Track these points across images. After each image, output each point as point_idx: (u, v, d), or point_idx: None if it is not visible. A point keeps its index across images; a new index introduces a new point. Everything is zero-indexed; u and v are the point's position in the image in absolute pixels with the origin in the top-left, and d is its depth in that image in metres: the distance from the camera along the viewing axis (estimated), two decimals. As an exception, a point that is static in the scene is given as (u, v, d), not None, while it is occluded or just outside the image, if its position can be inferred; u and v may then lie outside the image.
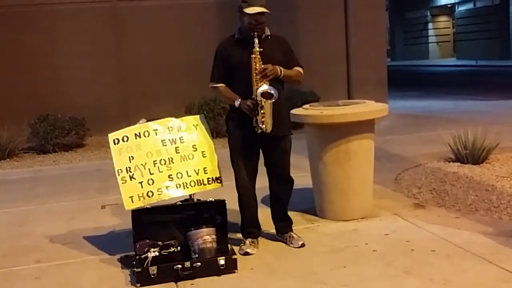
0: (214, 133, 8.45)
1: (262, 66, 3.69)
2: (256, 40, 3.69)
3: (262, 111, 3.69)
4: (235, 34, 3.92)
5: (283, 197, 4.13)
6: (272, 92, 3.67)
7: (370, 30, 10.60)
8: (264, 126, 3.72)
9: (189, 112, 8.68)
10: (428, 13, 37.53)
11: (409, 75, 24.62)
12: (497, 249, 3.70)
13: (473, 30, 31.65)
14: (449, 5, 35.07)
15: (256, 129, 3.75)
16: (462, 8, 33.61)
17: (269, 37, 3.86)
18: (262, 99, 3.67)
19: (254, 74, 3.70)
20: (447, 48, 37.36)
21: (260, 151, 4.01)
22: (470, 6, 32.63)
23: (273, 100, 3.69)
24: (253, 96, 3.71)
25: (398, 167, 6.19)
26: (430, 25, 37.79)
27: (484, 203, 4.71)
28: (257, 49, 3.69)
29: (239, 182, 3.99)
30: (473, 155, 5.99)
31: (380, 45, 10.97)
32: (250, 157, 3.94)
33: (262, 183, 4.13)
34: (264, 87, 3.68)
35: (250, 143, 3.90)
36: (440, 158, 6.37)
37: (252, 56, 3.70)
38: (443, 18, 37.64)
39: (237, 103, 3.80)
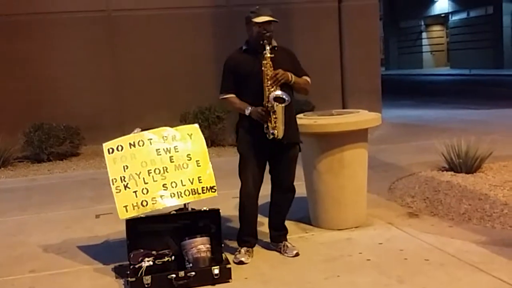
0: (209, 142, 8.47)
1: (274, 72, 3.73)
2: (268, 47, 3.74)
3: (274, 116, 3.72)
4: (242, 46, 3.97)
5: (283, 206, 4.15)
6: (284, 96, 3.70)
7: (364, 40, 10.65)
8: (276, 131, 3.73)
9: (184, 120, 8.69)
10: (422, 23, 37.75)
11: (403, 84, 24.74)
12: (490, 258, 3.72)
13: (466, 40, 31.85)
14: (442, 15, 35.30)
15: (267, 136, 3.76)
16: (455, 17, 33.84)
17: (276, 48, 3.90)
18: (275, 103, 3.69)
19: (266, 80, 3.74)
20: (441, 57, 37.57)
21: (268, 160, 4.02)
22: (463, 15, 32.86)
23: (286, 104, 3.71)
24: (264, 103, 3.74)
25: (392, 176, 6.22)
26: (424, 35, 38.01)
27: (477, 212, 4.73)
28: (268, 55, 3.73)
29: (244, 189, 3.99)
30: (466, 164, 6.03)
31: (374, 54, 11.02)
32: (258, 166, 3.96)
33: (262, 191, 4.14)
34: (277, 92, 3.71)
35: (260, 151, 3.92)
36: (434, 167, 6.40)
37: (263, 62, 3.75)
38: (437, 28, 37.88)
39: (247, 112, 3.82)
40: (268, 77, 3.73)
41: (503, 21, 28.83)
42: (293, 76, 3.85)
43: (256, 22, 3.77)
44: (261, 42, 3.75)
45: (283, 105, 3.71)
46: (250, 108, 3.81)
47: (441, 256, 3.82)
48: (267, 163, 4.04)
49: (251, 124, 3.85)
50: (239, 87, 3.92)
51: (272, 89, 3.72)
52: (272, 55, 3.76)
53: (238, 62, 3.92)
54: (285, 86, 3.80)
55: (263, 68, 3.74)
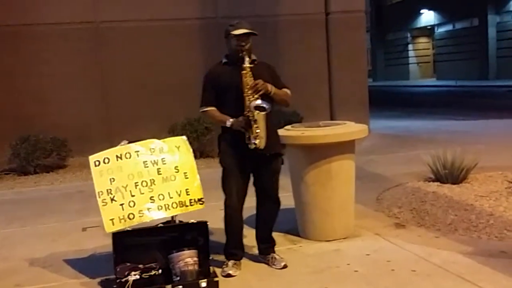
0: (198, 154, 8.46)
1: (254, 81, 3.74)
2: (247, 58, 3.76)
3: (255, 125, 3.72)
4: (222, 60, 3.98)
5: (269, 218, 4.15)
6: (265, 105, 3.71)
7: (352, 51, 10.74)
8: (257, 141, 3.73)
9: (172, 132, 8.68)
10: (408, 35, 38.14)
11: (390, 95, 24.92)
12: (476, 268, 3.74)
13: (452, 51, 32.20)
14: (428, 27, 35.69)
15: (249, 146, 3.76)
16: (441, 29, 34.22)
17: (256, 62, 3.92)
18: (256, 111, 3.70)
19: (246, 89, 3.75)
20: (427, 68, 37.94)
21: (251, 171, 4.02)
22: (449, 27, 33.24)
23: (267, 112, 3.72)
24: (245, 113, 3.74)
25: (379, 187, 6.25)
26: (410, 46, 38.39)
27: (463, 223, 4.76)
28: (248, 64, 3.75)
29: (228, 201, 3.99)
30: (452, 175, 6.07)
31: (361, 66, 11.11)
32: (242, 177, 3.96)
33: (247, 203, 4.14)
34: (257, 101, 3.72)
35: (242, 163, 3.92)
36: (420, 177, 6.44)
37: (243, 72, 3.76)
38: (423, 40, 38.28)
39: (228, 123, 3.83)
40: (248, 86, 3.74)
41: (488, 33, 29.21)
42: (272, 87, 3.86)
43: (234, 34, 3.79)
44: (240, 54, 3.77)
45: (264, 113, 3.72)
46: (231, 119, 3.82)
47: (427, 267, 3.83)
48: (251, 175, 4.04)
49: (233, 136, 3.85)
50: (219, 100, 3.94)
51: (253, 98, 3.73)
52: (252, 65, 3.78)
53: (218, 75, 3.93)
54: (265, 97, 3.81)
55: (243, 78, 3.75)
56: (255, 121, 3.71)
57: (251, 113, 3.71)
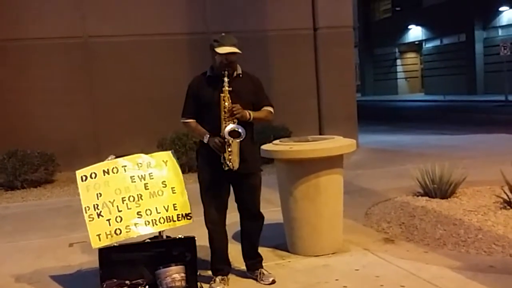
0: (186, 168, 8.42)
1: (231, 105, 3.74)
2: (226, 79, 3.75)
3: (229, 149, 3.72)
4: (207, 71, 3.97)
5: (253, 234, 4.12)
6: (240, 130, 3.70)
7: (340, 66, 10.80)
8: (231, 164, 3.74)
9: (161, 147, 8.66)
10: (397, 50, 38.56)
11: (378, 110, 25.08)
12: (464, 283, 3.74)
13: (440, 66, 32.58)
14: (416, 42, 36.09)
15: (223, 166, 3.76)
16: (429, 44, 34.63)
17: (241, 76, 3.91)
18: (229, 138, 3.69)
19: (223, 113, 3.74)
20: (415, 83, 38.29)
21: (231, 186, 4.01)
22: (437, 43, 33.65)
23: (240, 139, 3.72)
24: (221, 134, 3.74)
25: (368, 202, 6.25)
26: (398, 61, 38.80)
27: (452, 237, 4.77)
28: (227, 88, 3.74)
29: (208, 217, 3.97)
30: (441, 190, 6.09)
31: (350, 80, 11.16)
32: (219, 192, 3.94)
33: (233, 218, 4.12)
34: (232, 126, 3.71)
35: (219, 179, 3.90)
36: (409, 192, 6.45)
37: (221, 95, 3.75)
38: (411, 55, 38.71)
39: (205, 139, 3.82)
40: (225, 109, 3.74)
41: (475, 48, 29.61)
42: (251, 113, 3.83)
43: (219, 52, 3.77)
44: (222, 72, 3.77)
45: (237, 140, 3.71)
46: (208, 136, 3.81)
47: (416, 282, 3.82)
48: (232, 189, 4.02)
49: (209, 152, 3.83)
50: (200, 114, 3.93)
51: (229, 122, 3.73)
52: (230, 88, 3.74)
53: (199, 88, 3.91)
54: (244, 121, 3.79)
55: (221, 101, 3.74)
56: (229, 145, 3.71)
57: (225, 136, 3.70)
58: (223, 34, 3.87)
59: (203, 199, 3.96)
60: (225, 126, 3.72)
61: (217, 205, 3.94)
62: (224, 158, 3.74)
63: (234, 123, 3.73)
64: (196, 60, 9.81)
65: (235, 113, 3.73)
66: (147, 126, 9.68)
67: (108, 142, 9.38)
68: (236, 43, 3.81)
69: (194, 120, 3.95)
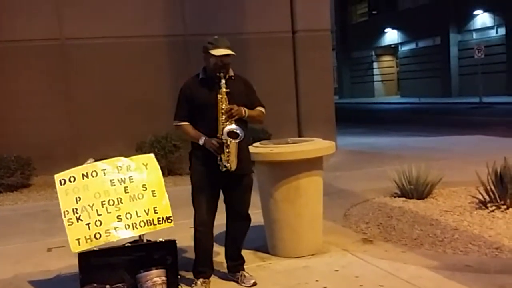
0: (166, 171, 8.41)
1: (229, 106, 3.75)
2: (223, 81, 3.77)
3: (227, 150, 3.74)
4: (199, 74, 3.97)
5: (239, 235, 4.14)
6: (238, 132, 3.72)
7: (318, 69, 10.88)
8: (229, 164, 3.75)
9: (140, 150, 8.60)
10: (373, 53, 38.96)
11: (356, 113, 25.29)
12: (442, 282, 3.81)
13: (416, 69, 33.01)
14: (392, 45, 36.50)
15: (220, 167, 3.77)
16: (405, 48, 35.06)
17: (233, 78, 3.93)
18: (228, 138, 3.71)
19: (221, 114, 3.76)
20: (391, 86, 38.72)
21: (222, 188, 4.01)
22: (412, 46, 34.09)
23: (239, 140, 3.74)
24: (219, 135, 3.75)
25: (347, 203, 6.31)
26: (375, 64, 39.21)
27: (429, 237, 4.85)
28: (224, 89, 3.76)
29: (198, 218, 3.96)
30: (418, 190, 6.19)
31: (327, 83, 11.25)
32: (212, 194, 3.94)
33: (217, 221, 4.11)
34: (231, 126, 3.73)
35: (212, 181, 3.91)
36: (386, 193, 6.54)
37: (218, 96, 3.76)
38: (387, 58, 39.14)
39: (201, 142, 3.82)
40: (223, 111, 3.76)
41: (450, 51, 30.08)
42: (246, 111, 3.88)
43: (213, 54, 3.80)
44: (218, 74, 3.79)
45: (236, 141, 3.74)
46: (204, 138, 3.82)
47: (395, 281, 3.88)
48: (222, 192, 4.03)
49: (204, 154, 3.85)
50: (194, 116, 3.93)
51: (227, 123, 3.75)
52: (228, 90, 3.78)
53: (193, 91, 3.91)
54: (239, 119, 3.84)
55: (218, 102, 3.76)
56: (228, 146, 3.73)
57: (223, 137, 3.72)
58: (216, 36, 3.89)
59: (195, 201, 3.95)
60: (223, 127, 3.73)
61: (209, 207, 3.94)
62: (221, 159, 3.75)
63: (231, 124, 3.74)
64: (175, 62, 9.85)
65: (234, 115, 3.75)
66: (126, 129, 9.61)
67: (85, 146, 9.29)
68: (229, 45, 3.84)
69: (188, 123, 3.94)
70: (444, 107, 24.18)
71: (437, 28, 30.14)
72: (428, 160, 7.20)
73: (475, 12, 28.29)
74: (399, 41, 35.08)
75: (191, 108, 3.91)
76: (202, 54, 3.90)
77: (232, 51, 3.82)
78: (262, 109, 4.08)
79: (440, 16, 29.58)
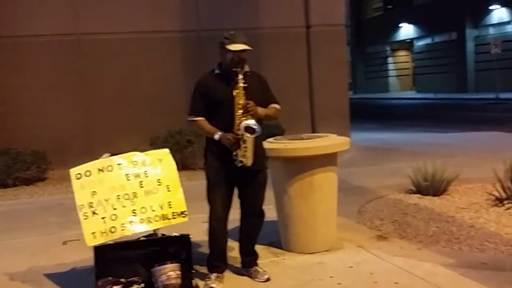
0: (180, 166, 8.39)
1: (245, 101, 3.74)
2: (240, 76, 3.75)
3: (244, 145, 3.73)
4: (215, 69, 3.96)
5: (253, 231, 4.14)
6: (256, 127, 3.71)
7: (332, 64, 10.82)
8: (245, 160, 3.75)
9: (153, 145, 8.64)
10: (388, 48, 38.67)
11: (370, 108, 25.16)
12: (457, 280, 3.77)
13: (431, 64, 32.71)
14: (408, 40, 36.21)
15: (236, 163, 3.77)
16: (420, 43, 34.76)
17: (249, 73, 3.92)
18: (245, 133, 3.70)
19: (237, 109, 3.75)
20: (406, 81, 38.43)
21: (236, 184, 4.01)
22: (428, 41, 33.78)
23: (256, 135, 3.73)
24: (235, 130, 3.74)
25: (361, 199, 6.28)
26: (390, 59, 38.91)
27: (445, 235, 4.81)
28: (241, 84, 3.75)
29: (213, 214, 3.96)
30: (433, 187, 6.14)
31: (342, 79, 11.19)
32: (227, 190, 3.94)
33: (231, 216, 4.11)
34: (248, 122, 3.71)
35: (228, 176, 3.90)
36: (402, 189, 6.49)
37: (235, 91, 3.75)
38: (402, 53, 38.81)
39: (217, 137, 3.81)
40: (239, 106, 3.75)
41: (466, 46, 29.76)
42: (262, 110, 3.87)
43: (230, 49, 3.78)
44: (234, 69, 3.77)
45: (253, 136, 3.73)
46: (219, 133, 3.81)
47: (410, 279, 3.85)
48: (236, 188, 4.03)
49: (220, 149, 3.84)
50: (210, 111, 3.92)
51: (244, 118, 3.74)
52: (246, 85, 3.77)
53: (209, 86, 3.90)
54: (254, 115, 3.82)
55: (235, 98, 3.75)
56: (244, 141, 3.72)
57: (240, 132, 3.72)
58: (232, 31, 3.87)
59: (210, 196, 3.96)
60: (240, 123, 3.72)
61: (224, 203, 3.94)
62: (236, 154, 3.75)
63: (248, 119, 3.73)
64: (189, 57, 9.87)
65: (250, 110, 3.74)
66: (140, 124, 9.65)
67: (100, 140, 9.35)
68: (246, 40, 3.82)
69: (204, 118, 3.93)
70: (460, 102, 23.94)
71: (453, 23, 29.82)
72: (444, 157, 7.15)
73: (492, 7, 27.94)
74: (415, 36, 34.78)
75: (206, 103, 3.90)
76: (218, 49, 3.88)
77: (249, 46, 3.81)
78: (277, 106, 4.07)
79: (456, 11, 29.26)
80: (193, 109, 3.95)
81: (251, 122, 3.71)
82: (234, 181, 3.96)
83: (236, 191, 4.04)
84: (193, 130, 8.17)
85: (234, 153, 3.76)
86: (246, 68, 3.90)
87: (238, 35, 3.84)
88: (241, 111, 3.75)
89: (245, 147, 3.74)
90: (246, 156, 3.75)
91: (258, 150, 3.89)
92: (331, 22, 10.81)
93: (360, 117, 15.78)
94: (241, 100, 3.75)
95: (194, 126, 4.01)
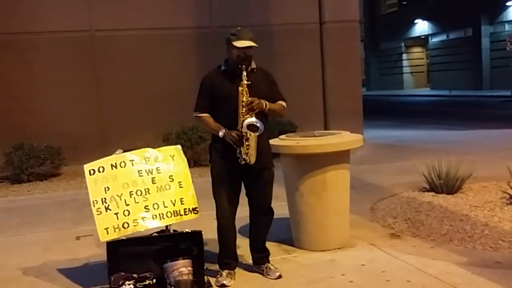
0: (192, 163, 8.45)
1: (249, 99, 3.73)
2: (245, 73, 3.74)
3: (247, 143, 3.72)
4: (221, 65, 3.95)
5: (262, 228, 4.13)
6: (258, 125, 3.70)
7: (346, 61, 10.77)
8: (248, 157, 3.74)
9: (166, 141, 8.67)
10: (403, 44, 38.37)
11: (384, 105, 25.01)
12: (471, 279, 3.74)
13: (446, 61, 32.41)
14: (422, 37, 35.91)
15: (239, 160, 3.76)
16: (435, 39, 34.46)
17: (255, 70, 3.91)
18: (248, 131, 3.70)
19: (241, 107, 3.74)
20: (421, 78, 38.13)
21: (242, 181, 4.01)
22: (443, 37, 33.48)
23: (259, 133, 3.72)
24: (239, 128, 3.74)
25: (374, 197, 6.25)
26: (404, 56, 38.61)
27: (459, 233, 4.77)
28: (245, 82, 3.74)
29: (219, 212, 3.97)
30: (447, 185, 6.09)
31: (355, 75, 11.13)
32: (232, 187, 3.94)
33: (241, 213, 4.12)
34: (251, 119, 3.71)
35: (233, 174, 3.90)
36: (415, 187, 6.45)
37: (239, 88, 3.74)
38: (417, 49, 38.51)
39: (221, 134, 3.81)
40: (243, 103, 3.74)
41: (482, 43, 29.45)
42: (267, 104, 3.85)
43: (236, 46, 3.77)
44: (240, 66, 3.76)
45: (256, 134, 3.71)
46: (224, 130, 3.80)
47: (423, 277, 3.83)
48: (243, 184, 4.02)
49: (224, 146, 3.84)
50: (214, 108, 3.92)
51: (247, 116, 3.73)
52: (249, 82, 3.75)
53: (215, 82, 3.89)
54: (260, 112, 3.81)
55: (239, 95, 3.74)
56: (247, 139, 3.71)
57: (244, 130, 3.71)
58: (238, 28, 3.85)
59: (216, 194, 3.96)
60: (243, 120, 3.72)
61: (230, 201, 3.94)
62: (240, 152, 3.74)
63: (252, 117, 3.72)
64: (202, 54, 9.86)
65: (254, 108, 3.73)
66: (153, 121, 9.68)
67: (113, 136, 9.39)
68: (252, 37, 3.80)
69: (208, 115, 3.93)
70: (475, 100, 23.71)
71: (469, 20, 29.52)
72: (458, 154, 7.08)
73: (508, 3, 27.61)
74: (429, 33, 34.47)
75: (211, 100, 3.90)
76: (225, 46, 3.87)
77: (255, 43, 3.78)
78: (283, 103, 4.04)
79: (472, 7, 28.93)
80: (198, 106, 3.95)
81: (254, 120, 3.71)
82: (239, 179, 3.95)
83: (244, 189, 4.03)
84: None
85: (238, 151, 3.76)
86: (253, 65, 3.89)
87: (245, 31, 3.82)
88: (244, 108, 3.73)
89: (248, 145, 3.73)
90: (249, 154, 3.74)
91: (263, 147, 3.87)
92: (345, 18, 10.74)
93: (373, 114, 15.70)
94: (244, 98, 3.74)
95: (199, 122, 4.02)
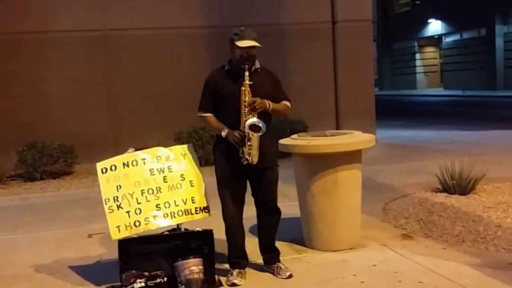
0: (203, 162, 8.41)
1: (252, 99, 3.73)
2: (247, 73, 3.74)
3: (249, 143, 3.72)
4: (225, 65, 3.96)
5: (270, 228, 4.12)
6: (260, 125, 3.70)
7: (358, 61, 10.72)
8: (250, 158, 3.74)
9: (178, 140, 8.69)
10: (416, 44, 38.12)
11: (396, 105, 24.88)
12: (483, 280, 3.71)
13: (460, 61, 32.16)
14: (436, 36, 35.66)
15: (242, 161, 3.77)
16: (449, 39, 34.20)
17: (259, 70, 3.90)
18: (250, 131, 3.69)
19: (243, 107, 3.74)
20: (434, 78, 37.86)
21: (248, 181, 4.01)
22: (457, 37, 33.23)
23: (261, 134, 3.72)
24: (241, 128, 3.74)
25: (386, 197, 6.22)
26: (417, 56, 38.36)
27: (471, 234, 4.73)
28: (247, 82, 3.74)
29: (225, 212, 3.98)
30: (460, 186, 6.04)
31: (368, 75, 11.07)
32: (237, 187, 3.94)
33: (250, 213, 4.12)
34: (253, 119, 3.71)
35: (236, 174, 3.90)
36: (428, 188, 6.40)
37: (242, 88, 3.74)
38: (430, 49, 38.24)
39: (224, 134, 3.82)
40: (245, 103, 3.74)
41: (495, 43, 29.18)
42: (271, 104, 3.84)
43: (239, 46, 3.76)
44: (242, 66, 3.76)
45: (258, 134, 3.71)
46: (226, 130, 3.81)
47: (435, 278, 3.80)
48: (249, 184, 4.01)
49: (227, 146, 3.84)
50: (217, 108, 3.92)
51: (249, 116, 3.73)
52: (251, 82, 3.75)
53: (218, 82, 3.90)
54: (263, 112, 3.80)
55: (241, 95, 3.74)
56: (249, 139, 3.71)
57: (246, 130, 3.71)
58: (242, 27, 3.85)
59: (221, 194, 3.97)
60: (245, 120, 3.72)
61: (235, 200, 3.94)
62: (243, 152, 3.74)
63: (254, 117, 3.72)
64: (213, 53, 9.84)
65: (257, 108, 3.73)
66: (164, 119, 9.71)
67: (125, 135, 9.43)
68: (256, 37, 3.79)
69: (212, 114, 3.94)
70: (488, 100, 23.51)
71: (483, 19, 29.26)
72: (471, 155, 7.01)
73: (523, 3, 27.35)
74: (443, 32, 34.21)
75: (215, 100, 3.90)
76: (229, 45, 3.86)
77: (258, 43, 3.78)
78: (287, 103, 4.03)
79: (486, 6, 28.69)
80: (202, 105, 3.96)
81: (256, 120, 3.71)
82: (243, 179, 3.95)
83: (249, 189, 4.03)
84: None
85: (240, 151, 3.75)
86: (257, 65, 3.89)
87: (248, 31, 3.81)
88: (247, 108, 3.73)
89: (250, 145, 3.72)
90: (251, 154, 3.73)
91: (266, 147, 3.86)
92: (357, 18, 10.70)
93: (385, 114, 15.62)
94: (247, 98, 3.73)
95: (202, 122, 4.03)
